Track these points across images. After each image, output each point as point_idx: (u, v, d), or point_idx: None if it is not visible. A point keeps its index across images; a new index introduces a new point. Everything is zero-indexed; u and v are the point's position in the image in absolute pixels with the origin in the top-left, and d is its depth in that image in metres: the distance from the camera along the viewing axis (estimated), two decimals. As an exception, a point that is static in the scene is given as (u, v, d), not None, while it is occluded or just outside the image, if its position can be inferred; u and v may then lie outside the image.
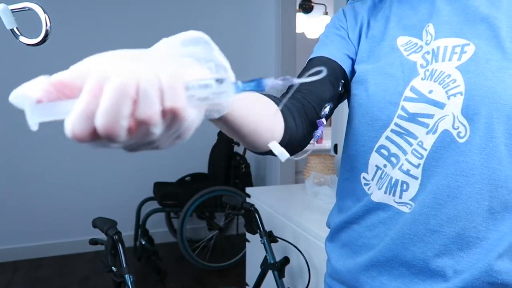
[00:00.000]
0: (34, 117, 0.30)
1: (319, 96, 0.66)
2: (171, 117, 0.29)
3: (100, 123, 0.27)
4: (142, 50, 0.32)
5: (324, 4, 4.19)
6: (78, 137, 0.28)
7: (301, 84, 0.66)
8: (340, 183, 0.76)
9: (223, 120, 0.41)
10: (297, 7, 3.77)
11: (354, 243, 0.70)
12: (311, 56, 0.73)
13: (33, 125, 0.30)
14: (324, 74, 0.33)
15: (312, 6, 4.28)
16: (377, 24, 0.71)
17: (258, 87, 0.32)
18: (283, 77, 0.32)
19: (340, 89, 0.70)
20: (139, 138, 0.30)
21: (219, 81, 0.31)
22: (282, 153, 0.43)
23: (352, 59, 0.72)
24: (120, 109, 0.27)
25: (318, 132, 0.65)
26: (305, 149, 0.64)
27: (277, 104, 0.55)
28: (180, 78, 0.29)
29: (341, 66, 0.70)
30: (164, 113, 0.29)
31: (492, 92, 0.55)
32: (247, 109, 0.45)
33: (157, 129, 0.29)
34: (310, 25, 4.27)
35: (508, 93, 0.54)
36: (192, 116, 0.30)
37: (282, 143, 0.56)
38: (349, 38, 0.73)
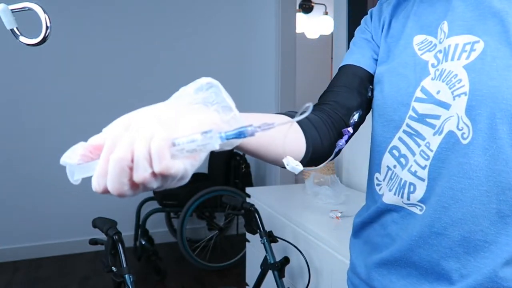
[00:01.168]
0: (74, 175, 0.39)
1: (346, 106, 0.69)
2: (161, 177, 0.36)
3: (109, 188, 0.36)
4: (160, 105, 0.41)
5: (324, 4, 4.19)
6: (99, 192, 0.37)
7: (328, 96, 0.72)
8: (367, 183, 0.78)
9: (240, 149, 0.49)
10: (297, 7, 3.77)
11: (372, 240, 0.72)
12: (341, 64, 0.76)
13: (75, 182, 0.40)
14: (310, 111, 0.38)
15: (312, 6, 4.28)
16: (397, 24, 0.71)
17: (240, 135, 0.38)
18: (264, 123, 0.38)
19: (369, 94, 0.72)
20: (143, 190, 0.38)
21: (205, 133, 0.36)
22: (294, 168, 0.49)
23: (377, 60, 0.74)
24: (121, 178, 0.35)
25: (341, 142, 0.67)
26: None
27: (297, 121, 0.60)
28: (168, 141, 0.36)
29: (367, 72, 0.72)
30: (154, 174, 0.36)
31: (495, 92, 0.53)
32: (259, 138, 0.49)
33: (154, 185, 0.37)
34: (310, 25, 4.27)
35: (511, 92, 0.52)
36: (184, 167, 0.37)
37: (306, 156, 0.61)
38: (373, 39, 0.75)
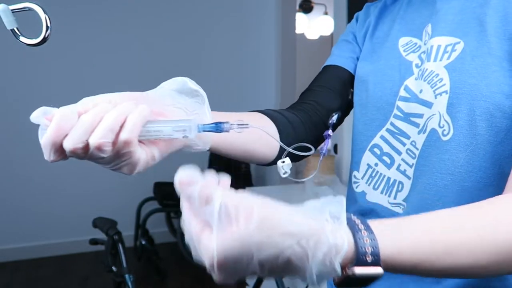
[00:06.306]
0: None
1: (326, 107, 0.71)
2: (119, 147, 0.40)
3: (67, 143, 0.44)
4: (141, 94, 0.44)
5: (324, 4, 4.19)
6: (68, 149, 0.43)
7: (309, 95, 0.74)
8: (347, 184, 0.77)
9: (214, 150, 0.54)
10: (297, 7, 3.77)
11: None
12: (324, 65, 0.78)
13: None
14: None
15: (312, 6, 4.28)
16: (383, 26, 0.73)
17: (217, 129, 0.43)
18: (240, 121, 0.43)
19: (350, 97, 0.74)
20: (92, 156, 0.41)
21: (178, 125, 0.40)
22: (284, 173, 0.54)
23: (357, 58, 0.76)
24: (82, 137, 0.41)
25: (323, 149, 0.68)
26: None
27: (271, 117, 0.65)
28: (144, 119, 0.40)
29: (349, 72, 0.74)
30: (114, 143, 0.39)
31: (475, 90, 0.54)
32: (233, 140, 0.56)
33: (105, 154, 0.40)
34: (310, 25, 4.27)
35: (490, 89, 0.53)
36: (139, 154, 0.41)
37: (278, 157, 0.64)
38: (356, 39, 0.77)
